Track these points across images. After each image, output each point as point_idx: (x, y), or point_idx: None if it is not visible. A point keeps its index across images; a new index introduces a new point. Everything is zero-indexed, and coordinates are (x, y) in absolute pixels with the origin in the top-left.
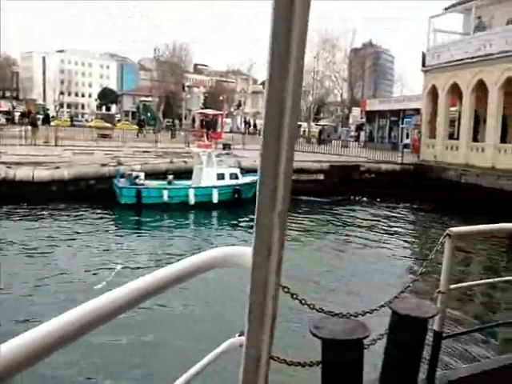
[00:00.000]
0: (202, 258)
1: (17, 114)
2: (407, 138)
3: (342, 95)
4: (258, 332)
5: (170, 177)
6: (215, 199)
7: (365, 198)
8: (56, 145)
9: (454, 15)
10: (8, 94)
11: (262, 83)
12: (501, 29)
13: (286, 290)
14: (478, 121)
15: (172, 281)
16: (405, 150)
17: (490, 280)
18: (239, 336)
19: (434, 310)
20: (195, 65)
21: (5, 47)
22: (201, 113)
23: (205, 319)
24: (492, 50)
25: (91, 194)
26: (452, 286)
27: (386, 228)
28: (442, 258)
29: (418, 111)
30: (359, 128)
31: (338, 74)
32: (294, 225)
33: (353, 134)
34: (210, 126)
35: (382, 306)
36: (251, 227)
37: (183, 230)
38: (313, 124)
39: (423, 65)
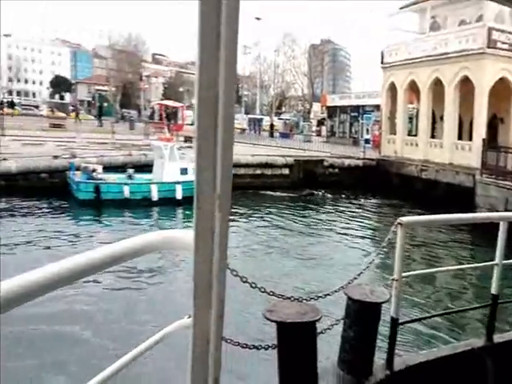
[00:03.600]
0: (141, 240)
1: None
2: (367, 133)
3: (302, 90)
4: (204, 314)
5: (131, 171)
6: (179, 195)
7: (329, 195)
8: (3, 134)
9: (410, 14)
10: None
11: None
12: (455, 29)
13: (234, 273)
14: (435, 118)
15: (111, 260)
16: (366, 145)
17: (444, 268)
18: (188, 318)
19: (387, 296)
20: (153, 54)
21: None
22: (161, 104)
23: (156, 300)
24: (447, 49)
25: (44, 188)
26: (405, 274)
27: (347, 221)
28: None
29: (377, 107)
30: (321, 123)
31: (299, 68)
32: (258, 218)
33: (314, 128)
34: (170, 117)
35: (335, 291)
36: None
37: (146, 229)
38: (275, 118)
39: (382, 62)
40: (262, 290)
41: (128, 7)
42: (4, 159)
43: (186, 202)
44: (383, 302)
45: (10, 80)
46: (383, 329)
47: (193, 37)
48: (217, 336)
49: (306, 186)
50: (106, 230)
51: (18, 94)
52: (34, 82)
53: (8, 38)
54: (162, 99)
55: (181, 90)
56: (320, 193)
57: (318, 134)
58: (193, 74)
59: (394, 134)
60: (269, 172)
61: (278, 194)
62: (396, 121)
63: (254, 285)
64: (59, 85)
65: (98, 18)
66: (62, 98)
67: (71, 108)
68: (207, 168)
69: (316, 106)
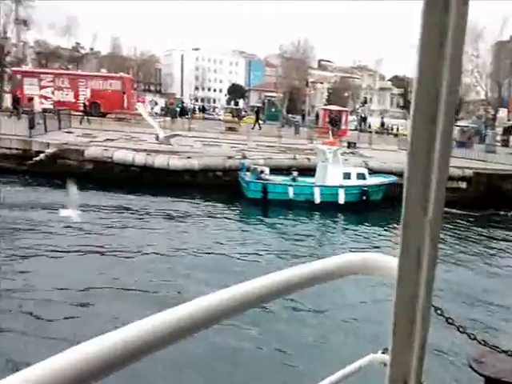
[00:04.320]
0: (341, 261)
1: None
2: None
3: (486, 93)
4: (403, 353)
5: (295, 173)
6: (341, 200)
7: None
8: (188, 136)
9: None
10: (152, 88)
11: (391, 79)
12: None
13: (438, 311)
14: None
15: (311, 280)
16: None
17: None
18: (382, 353)
19: None
20: (319, 61)
21: (151, 46)
22: (325, 109)
23: (345, 328)
24: None
25: (218, 185)
26: None
27: None
28: None
29: None
30: (508, 131)
31: (483, 69)
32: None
33: (499, 137)
34: (334, 122)
35: None
36: (382, 235)
37: (310, 231)
38: None
39: None
40: (472, 336)
41: (298, 14)
42: (189, 157)
43: (348, 207)
44: None
45: (197, 88)
46: None
47: (359, 41)
48: (416, 380)
49: (489, 203)
50: (275, 230)
51: (202, 100)
52: (214, 90)
53: (196, 52)
54: (325, 104)
55: (345, 95)
56: (509, 214)
57: (505, 143)
58: (357, 78)
59: None
60: None
61: (453, 211)
62: None
63: (461, 329)
64: (235, 92)
65: (271, 28)
66: (236, 103)
67: (243, 113)
68: (419, 185)
69: (502, 112)
